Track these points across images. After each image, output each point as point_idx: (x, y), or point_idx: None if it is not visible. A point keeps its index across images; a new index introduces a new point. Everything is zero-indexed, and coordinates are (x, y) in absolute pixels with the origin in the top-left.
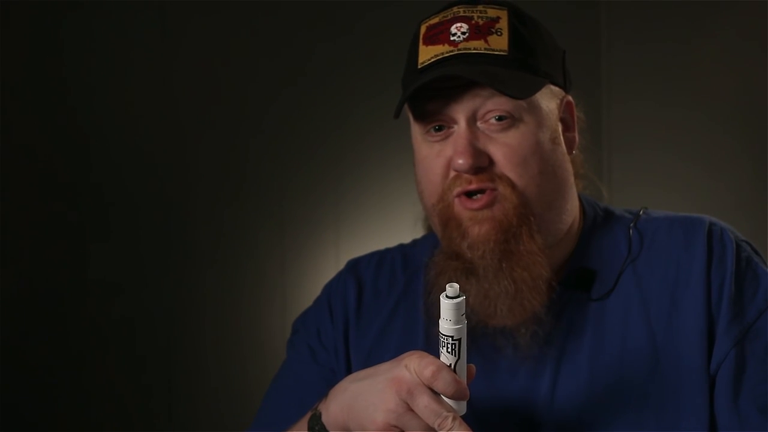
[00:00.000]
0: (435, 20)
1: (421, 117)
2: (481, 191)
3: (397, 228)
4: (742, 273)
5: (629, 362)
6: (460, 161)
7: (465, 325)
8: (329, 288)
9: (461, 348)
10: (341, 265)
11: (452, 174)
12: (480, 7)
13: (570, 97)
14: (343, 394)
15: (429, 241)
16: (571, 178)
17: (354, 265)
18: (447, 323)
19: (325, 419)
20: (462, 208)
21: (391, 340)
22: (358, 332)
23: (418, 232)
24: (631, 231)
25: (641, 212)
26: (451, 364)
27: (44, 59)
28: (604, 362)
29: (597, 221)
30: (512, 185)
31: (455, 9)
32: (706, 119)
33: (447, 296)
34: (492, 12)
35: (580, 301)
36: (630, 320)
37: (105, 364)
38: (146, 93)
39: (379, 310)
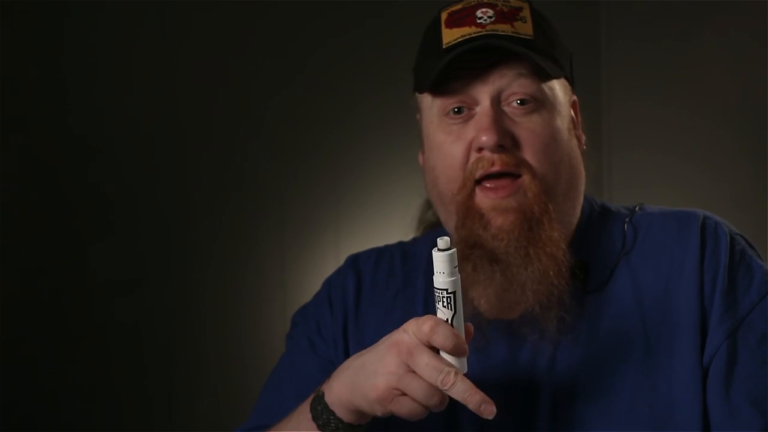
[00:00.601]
0: (457, 7)
1: (444, 94)
2: (503, 175)
3: (396, 228)
4: (736, 266)
5: (623, 354)
6: (485, 138)
7: (459, 278)
8: (329, 282)
9: (457, 301)
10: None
11: (474, 157)
12: None
13: (575, 97)
14: (346, 372)
15: (429, 238)
16: (583, 173)
17: (354, 260)
18: (441, 276)
19: (327, 398)
20: (483, 197)
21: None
22: (357, 325)
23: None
24: (626, 225)
25: (637, 208)
26: (447, 319)
27: (44, 59)
28: (598, 354)
29: (593, 216)
30: (533, 172)
31: None
32: (706, 119)
33: (439, 249)
34: (514, 2)
35: (575, 294)
36: (624, 313)
37: (105, 364)
38: (146, 93)
39: (377, 303)
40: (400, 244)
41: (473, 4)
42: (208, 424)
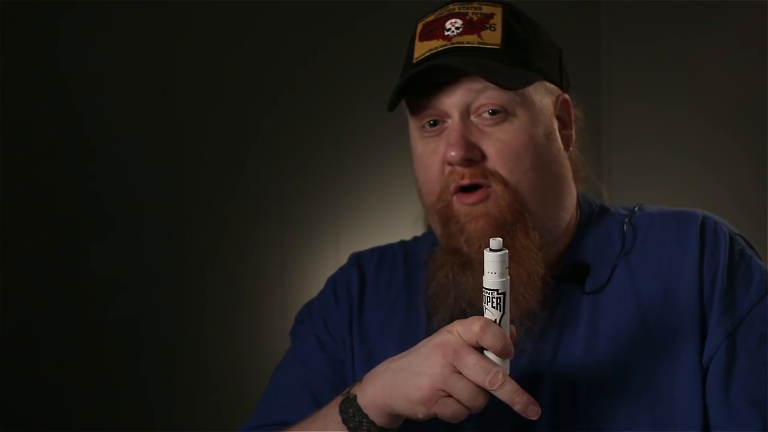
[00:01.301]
0: (431, 17)
1: (416, 111)
2: (475, 187)
3: (397, 227)
4: (735, 266)
5: (623, 356)
6: (452, 153)
7: (508, 280)
8: (334, 279)
9: (506, 302)
10: (342, 262)
11: (447, 169)
12: (475, 4)
13: (567, 96)
14: (382, 375)
15: (430, 237)
16: (569, 175)
17: (357, 258)
18: (492, 276)
19: (360, 401)
20: (459, 204)
21: (392, 334)
22: (360, 324)
23: (418, 231)
24: (625, 226)
25: (636, 208)
26: (496, 320)
27: (45, 59)
28: (597, 355)
29: (592, 217)
30: (504, 182)
31: (451, 6)
32: (706, 119)
33: (491, 249)
34: (487, 9)
35: (574, 295)
36: (623, 314)
37: (105, 364)
38: (147, 93)
39: (380, 303)
40: (402, 243)
41: (444, 14)
42: (208, 424)
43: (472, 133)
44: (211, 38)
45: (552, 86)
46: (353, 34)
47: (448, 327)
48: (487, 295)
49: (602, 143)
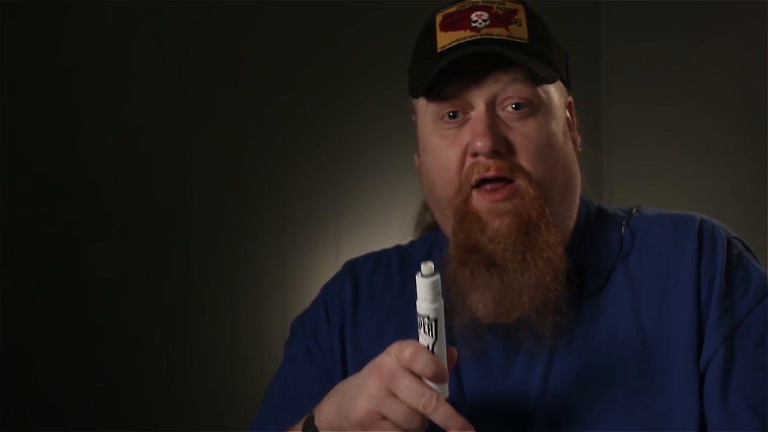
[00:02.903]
0: (452, 9)
1: (437, 100)
2: (499, 180)
3: (397, 228)
4: (733, 269)
5: (620, 358)
6: (479, 143)
7: (442, 305)
8: (326, 289)
9: (438, 328)
10: (341, 265)
11: (469, 161)
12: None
13: (571, 98)
14: (334, 395)
15: (426, 241)
16: (579, 174)
17: (351, 265)
18: (423, 302)
19: (317, 421)
20: (481, 200)
21: (387, 340)
22: (355, 332)
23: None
24: (623, 228)
25: (634, 210)
26: (428, 345)
27: (45, 59)
28: (594, 357)
29: (590, 219)
30: (529, 177)
31: (473, 0)
32: (706, 119)
33: (422, 275)
34: (510, 5)
35: (571, 297)
36: (621, 316)
37: (105, 364)
38: (147, 92)
39: (375, 309)
40: (398, 247)
41: (468, 6)
42: (208, 424)
43: (498, 125)
44: (210, 39)
45: (563, 87)
46: (354, 35)
47: (388, 348)
48: (419, 320)
49: (602, 143)
